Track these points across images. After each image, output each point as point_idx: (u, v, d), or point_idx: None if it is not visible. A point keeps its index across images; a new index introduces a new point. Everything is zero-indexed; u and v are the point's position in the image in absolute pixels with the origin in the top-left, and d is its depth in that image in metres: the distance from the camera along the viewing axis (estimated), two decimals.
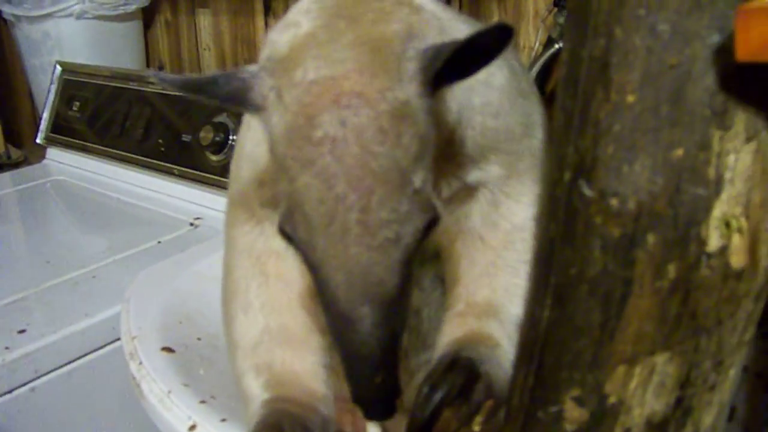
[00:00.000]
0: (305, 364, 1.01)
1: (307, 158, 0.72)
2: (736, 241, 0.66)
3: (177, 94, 2.32)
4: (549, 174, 0.74)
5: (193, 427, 1.15)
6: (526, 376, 0.78)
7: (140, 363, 1.29)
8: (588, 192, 0.68)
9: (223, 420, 1.15)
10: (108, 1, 2.72)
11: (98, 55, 2.80)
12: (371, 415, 0.82)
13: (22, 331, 1.62)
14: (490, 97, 0.94)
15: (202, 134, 2.17)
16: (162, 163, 2.34)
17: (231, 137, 2.12)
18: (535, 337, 0.75)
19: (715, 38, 0.62)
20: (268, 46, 0.81)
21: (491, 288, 1.01)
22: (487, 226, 1.02)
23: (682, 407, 0.72)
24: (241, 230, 1.06)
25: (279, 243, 1.03)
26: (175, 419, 1.17)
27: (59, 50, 2.79)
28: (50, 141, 2.80)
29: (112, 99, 2.59)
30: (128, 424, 1.64)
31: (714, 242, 0.66)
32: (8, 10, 2.77)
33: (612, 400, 0.71)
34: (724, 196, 0.65)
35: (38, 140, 2.84)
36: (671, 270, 0.66)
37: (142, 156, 2.42)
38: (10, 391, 1.56)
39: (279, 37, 0.79)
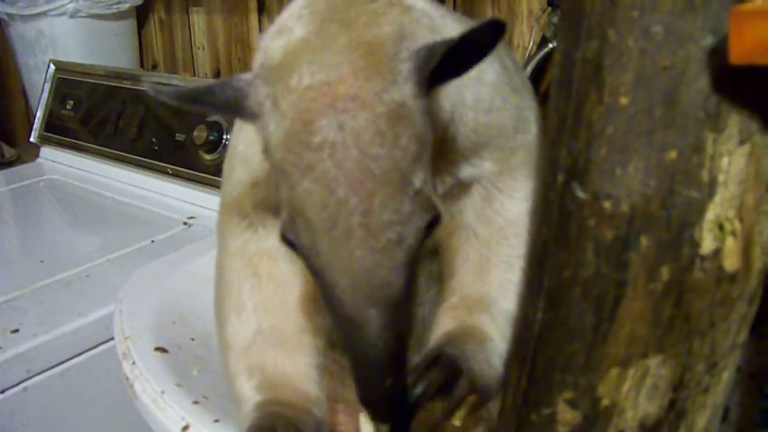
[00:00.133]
0: (298, 366, 1.01)
1: (306, 164, 0.72)
2: (730, 243, 0.66)
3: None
4: (542, 176, 0.74)
5: (186, 427, 1.15)
6: (519, 378, 0.77)
7: (133, 363, 1.29)
8: (581, 194, 0.67)
9: (216, 421, 1.15)
10: None
11: (92, 54, 2.79)
12: (381, 418, 0.82)
13: (15, 331, 1.61)
14: (481, 94, 0.94)
15: (195, 133, 2.17)
16: (156, 162, 2.33)
17: (225, 136, 2.12)
18: (528, 339, 0.75)
19: (709, 40, 0.62)
20: (261, 53, 0.81)
21: (484, 282, 1.02)
22: (480, 222, 1.02)
23: (675, 410, 0.72)
24: (233, 231, 1.05)
25: (271, 244, 1.03)
26: (168, 420, 1.17)
27: (53, 49, 2.78)
28: (44, 140, 2.79)
29: (106, 98, 2.58)
30: (121, 425, 1.64)
31: (707, 245, 0.66)
32: (2, 8, 2.76)
33: (605, 402, 0.71)
34: (718, 198, 0.65)
35: (32, 139, 2.83)
36: (664, 272, 0.66)
37: (136, 155, 2.41)
38: (2, 391, 1.55)
39: (272, 44, 0.79)
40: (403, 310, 0.75)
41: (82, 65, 2.71)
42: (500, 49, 0.99)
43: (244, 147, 1.01)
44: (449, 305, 1.03)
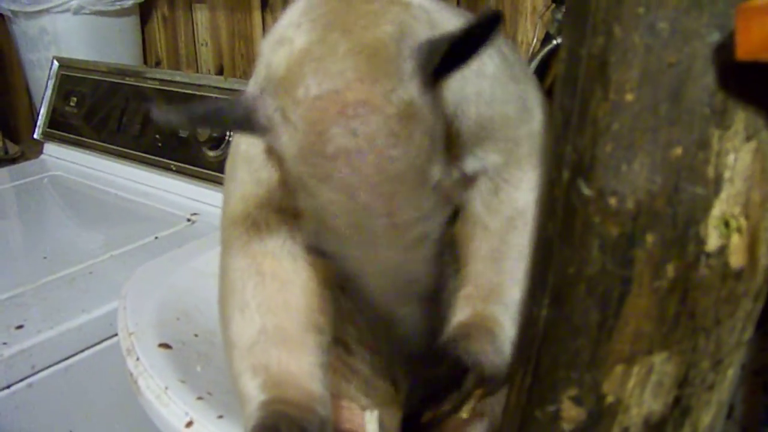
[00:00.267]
0: (302, 365, 1.01)
1: (324, 173, 0.72)
2: (735, 240, 0.66)
3: (174, 89, 2.34)
4: (547, 173, 0.74)
5: (189, 423, 1.15)
6: (523, 376, 0.77)
7: (137, 359, 1.29)
8: (586, 191, 0.67)
9: (220, 417, 1.15)
10: None
11: (95, 51, 2.79)
12: (422, 405, 0.82)
13: (19, 327, 1.61)
14: (482, 86, 0.94)
15: (199, 130, 2.17)
16: (159, 159, 2.33)
17: (228, 133, 2.12)
18: (533, 337, 0.75)
19: (715, 36, 0.62)
20: (264, 66, 0.81)
21: (497, 272, 1.02)
22: (489, 213, 1.02)
23: (680, 407, 0.72)
24: (236, 230, 1.05)
25: (275, 242, 1.03)
26: (172, 415, 1.17)
27: (56, 46, 2.78)
28: (47, 136, 2.79)
29: (110, 94, 2.58)
30: (125, 420, 1.64)
31: (713, 242, 0.66)
32: (5, 5, 2.76)
33: (610, 399, 0.71)
34: (723, 195, 0.65)
35: (35, 135, 2.83)
36: (670, 269, 0.66)
37: (140, 151, 2.41)
38: (7, 387, 1.56)
39: (274, 56, 0.79)
40: (434, 302, 0.76)
41: (86, 62, 2.71)
42: (499, 41, 0.99)
43: (246, 146, 1.01)
44: (464, 294, 1.03)
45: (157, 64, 3.10)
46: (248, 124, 0.78)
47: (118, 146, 2.50)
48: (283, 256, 1.04)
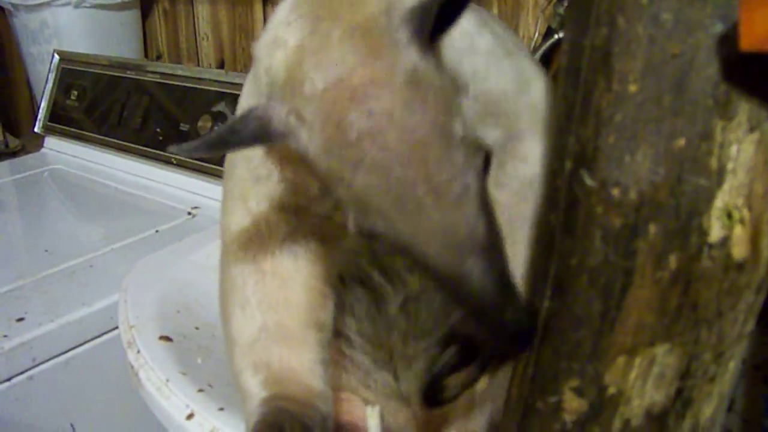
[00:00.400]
0: (303, 361, 1.01)
1: (353, 160, 0.72)
2: (738, 232, 0.66)
3: (175, 83, 2.34)
4: (549, 164, 0.74)
5: (190, 415, 1.15)
6: (525, 366, 0.77)
7: (138, 351, 1.29)
8: (589, 182, 0.67)
9: (221, 409, 1.15)
10: None
11: (96, 44, 2.79)
12: (520, 346, 0.80)
13: (20, 320, 1.62)
14: (476, 63, 0.95)
15: (200, 123, 2.17)
16: (160, 152, 2.33)
17: None
18: (535, 327, 0.75)
19: (719, 27, 0.62)
20: (263, 72, 0.81)
21: (512, 242, 1.02)
22: (497, 187, 1.02)
23: (681, 398, 0.72)
24: (236, 229, 1.05)
25: (275, 241, 1.03)
26: (173, 408, 1.17)
27: (57, 39, 2.78)
28: (48, 130, 2.79)
29: (110, 88, 2.58)
30: (126, 413, 1.64)
31: (715, 233, 0.66)
32: None
33: (611, 390, 0.71)
34: (726, 186, 0.65)
35: (36, 129, 2.83)
36: (672, 260, 0.66)
37: (140, 145, 2.41)
38: (8, 379, 1.56)
39: (272, 60, 0.79)
40: (497, 250, 0.76)
41: (86, 55, 2.71)
42: (487, 18, 0.99)
43: None
44: None
45: (158, 57, 3.10)
46: (265, 135, 0.78)
47: (118, 140, 2.49)
48: (283, 253, 1.04)
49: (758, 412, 1.07)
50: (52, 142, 2.78)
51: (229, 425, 1.12)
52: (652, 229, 0.66)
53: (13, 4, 2.74)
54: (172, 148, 0.78)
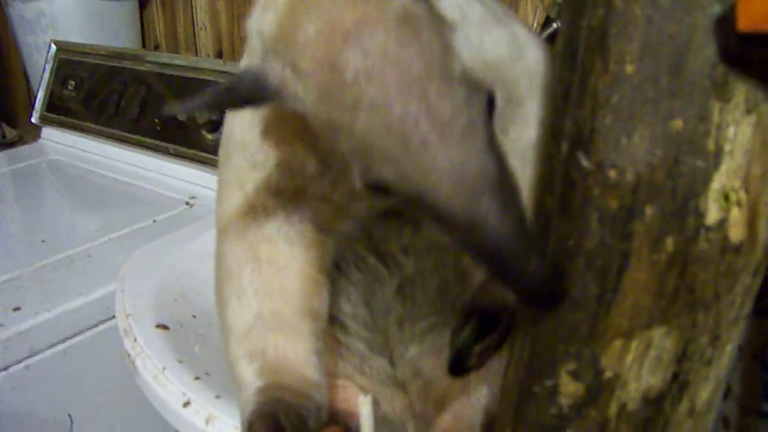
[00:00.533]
0: (298, 351, 1.01)
1: (352, 102, 0.71)
2: (735, 214, 0.66)
3: (173, 73, 2.33)
4: (546, 146, 0.74)
5: (187, 403, 1.15)
6: (521, 350, 0.77)
7: (135, 340, 1.29)
8: (586, 163, 0.67)
9: (218, 396, 1.15)
10: None
11: (93, 34, 2.78)
12: (544, 303, 0.75)
13: (17, 309, 1.62)
14: (469, 35, 0.94)
15: (197, 113, 2.16)
16: (157, 143, 2.33)
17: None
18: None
19: (716, 8, 0.61)
20: (255, 37, 0.80)
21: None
22: None
23: (678, 382, 0.71)
24: (233, 216, 1.05)
25: (271, 228, 1.02)
26: (170, 396, 1.17)
27: (54, 29, 2.77)
28: (45, 120, 2.78)
29: (108, 78, 2.57)
30: (123, 402, 1.64)
31: (712, 215, 0.65)
32: None
33: (608, 374, 0.71)
34: (724, 168, 0.65)
35: (33, 120, 2.82)
36: (669, 243, 0.66)
37: (138, 135, 2.41)
38: (5, 369, 1.56)
39: (263, 23, 0.78)
40: (512, 191, 0.74)
41: (84, 45, 2.70)
42: None
43: (241, 132, 1.01)
44: None
45: (156, 47, 3.09)
46: (260, 92, 0.78)
47: (116, 130, 2.49)
48: (279, 240, 1.03)
49: (755, 397, 1.07)
50: (49, 133, 2.78)
51: (225, 413, 1.12)
52: (649, 211, 0.65)
53: None
54: (168, 108, 0.77)
